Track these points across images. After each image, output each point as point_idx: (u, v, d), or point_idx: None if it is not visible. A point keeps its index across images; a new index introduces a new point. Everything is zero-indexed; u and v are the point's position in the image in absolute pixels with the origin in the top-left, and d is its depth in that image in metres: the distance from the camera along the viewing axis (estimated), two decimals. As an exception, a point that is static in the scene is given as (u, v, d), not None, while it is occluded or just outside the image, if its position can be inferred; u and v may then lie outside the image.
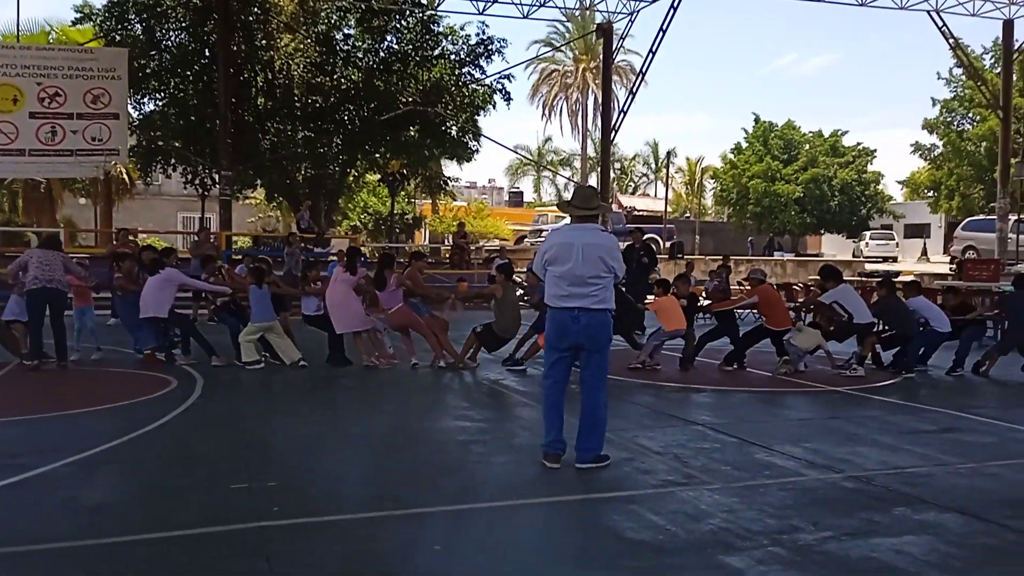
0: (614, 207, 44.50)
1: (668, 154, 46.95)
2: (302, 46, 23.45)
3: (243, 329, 9.82)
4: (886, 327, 10.61)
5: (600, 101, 32.61)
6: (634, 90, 26.38)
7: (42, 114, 18.35)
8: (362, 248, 17.52)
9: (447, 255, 25.85)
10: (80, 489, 5.06)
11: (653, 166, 64.35)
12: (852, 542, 4.29)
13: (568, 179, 53.72)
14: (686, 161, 64.37)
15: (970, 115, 36.99)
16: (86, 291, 10.29)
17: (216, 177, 22.05)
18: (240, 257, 15.88)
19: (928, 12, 23.94)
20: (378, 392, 8.78)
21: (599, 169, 26.33)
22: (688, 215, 57.52)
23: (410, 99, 23.21)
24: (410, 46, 24.09)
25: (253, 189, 28.00)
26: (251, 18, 22.44)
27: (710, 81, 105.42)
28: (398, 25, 23.87)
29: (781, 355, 10.18)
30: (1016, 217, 24.49)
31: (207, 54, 22.28)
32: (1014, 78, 25.61)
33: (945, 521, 4.67)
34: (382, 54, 23.96)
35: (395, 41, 24.17)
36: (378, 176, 29.12)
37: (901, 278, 14.84)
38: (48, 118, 18.40)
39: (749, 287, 10.54)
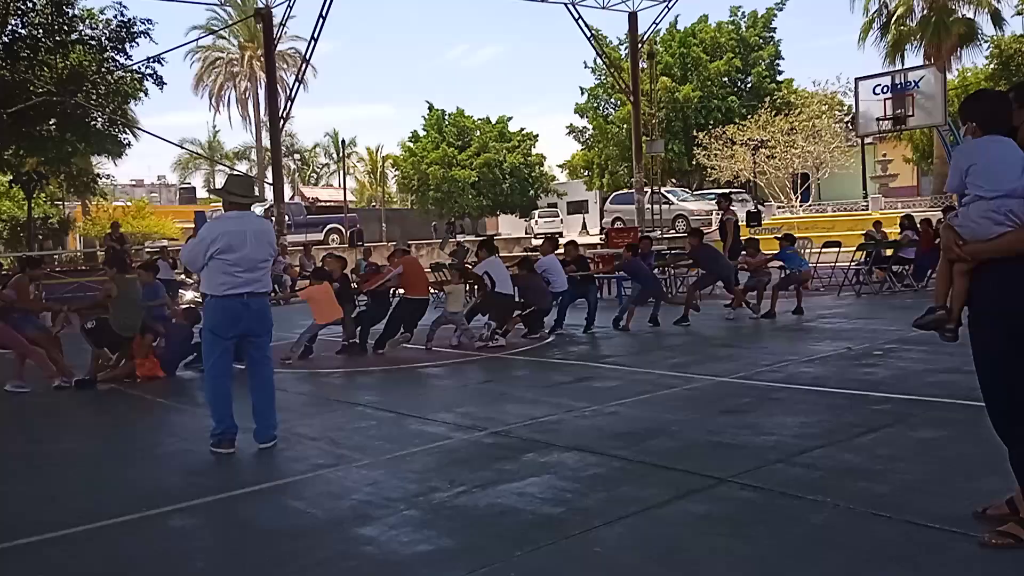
0: (296, 199, 43.52)
1: (343, 143, 46.61)
2: None
3: None
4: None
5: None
6: (300, 77, 25.89)
7: None
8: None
9: (103, 260, 23.46)
10: None
11: (335, 156, 63.81)
12: (482, 492, 4.59)
13: (247, 172, 51.35)
14: (366, 151, 64.83)
15: (612, 100, 41.39)
16: None
17: None
18: None
19: (565, 5, 26.27)
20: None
21: (271, 161, 25.47)
22: (374, 204, 57.93)
23: (44, 89, 20.63)
24: (40, 30, 21.37)
25: None
26: None
27: (389, 71, 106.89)
28: (23, 6, 21.05)
29: (408, 328, 10.22)
30: (649, 190, 27.83)
31: None
32: (642, 65, 28.96)
33: (565, 459, 5.16)
34: (6, 39, 20.98)
35: (20, 25, 21.31)
36: (11, 177, 25.55)
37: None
38: None
39: (395, 261, 10.66)
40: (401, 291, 10.55)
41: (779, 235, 14.10)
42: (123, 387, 8.62)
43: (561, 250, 12.46)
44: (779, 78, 39.96)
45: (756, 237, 13.94)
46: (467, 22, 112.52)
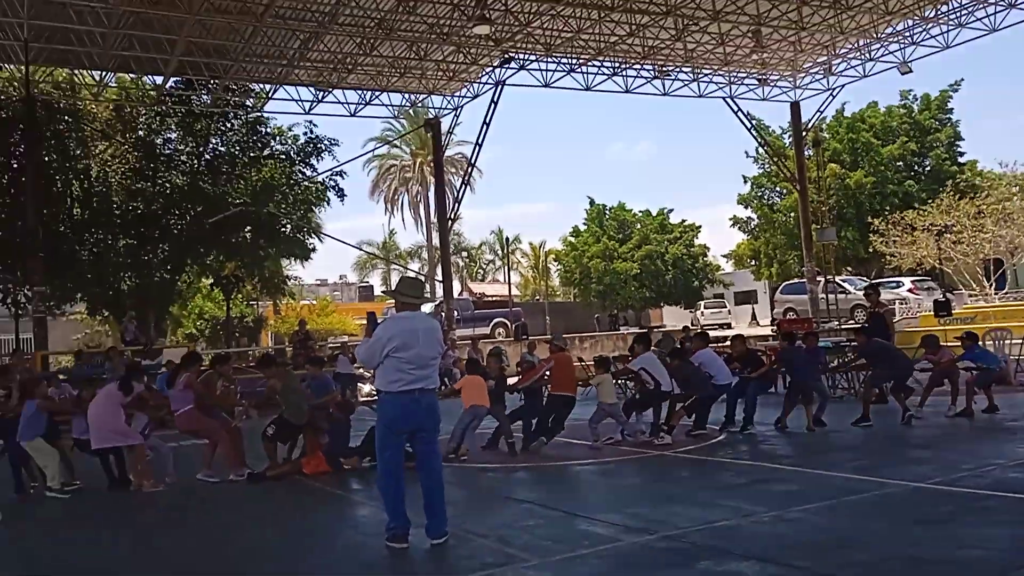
0: (464, 294, 45.08)
1: (507, 241, 48.19)
2: (119, 152, 22.68)
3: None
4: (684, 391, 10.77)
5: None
6: (467, 180, 27.15)
7: None
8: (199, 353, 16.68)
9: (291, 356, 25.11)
10: None
11: (500, 253, 65.88)
12: (656, 602, 4.38)
13: (417, 272, 53.94)
14: (530, 246, 66.54)
15: (777, 188, 40.47)
16: None
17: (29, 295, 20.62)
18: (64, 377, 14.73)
19: (724, 99, 26.26)
20: (192, 510, 8.19)
21: (441, 260, 26.69)
22: (538, 297, 58.97)
23: (240, 200, 22.83)
24: (237, 148, 23.88)
25: (73, 304, 26.33)
26: (62, 127, 21.55)
27: (550, 170, 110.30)
28: (223, 127, 23.64)
29: (554, 427, 10.08)
30: (823, 279, 26.66)
31: (14, 166, 21.10)
32: (808, 152, 28.27)
33: (743, 570, 4.85)
34: (207, 157, 23.56)
35: (220, 143, 23.89)
36: (211, 280, 28.16)
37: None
38: None
39: (549, 357, 10.55)
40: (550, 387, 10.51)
41: (962, 334, 12.55)
42: (300, 478, 9.02)
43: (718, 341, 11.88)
44: (961, 160, 37.68)
45: (934, 334, 12.72)
46: (623, 121, 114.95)
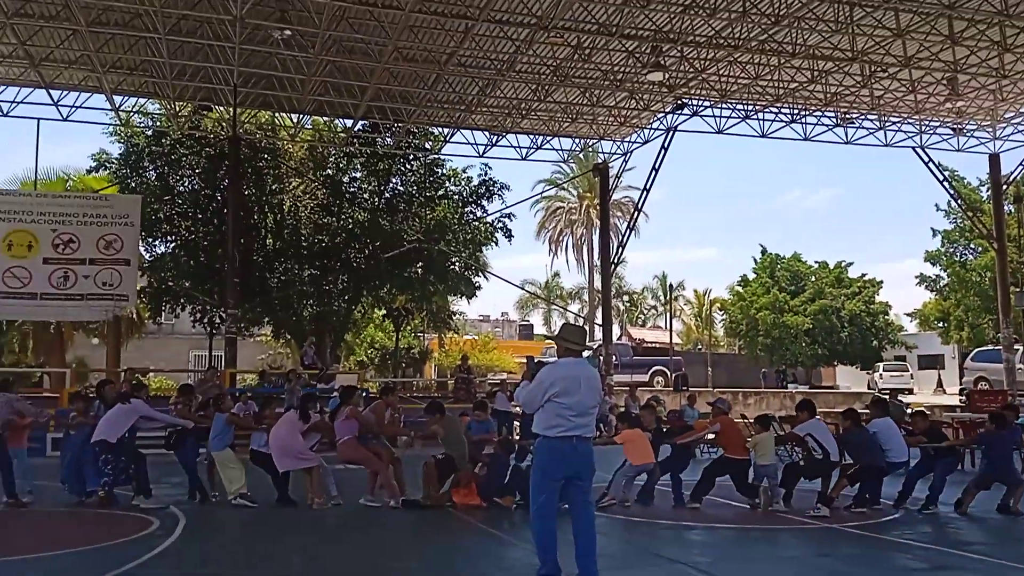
0: (623, 339, 44.67)
1: (671, 287, 47.37)
2: (310, 189, 24.44)
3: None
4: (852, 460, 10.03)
5: (603, 236, 33.34)
6: (632, 224, 27.15)
7: (55, 260, 19.00)
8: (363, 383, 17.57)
9: (452, 389, 25.88)
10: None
11: (662, 298, 64.93)
12: None
13: (576, 313, 54.17)
14: (694, 293, 65.15)
15: (971, 246, 37.45)
16: (20, 433, 10.17)
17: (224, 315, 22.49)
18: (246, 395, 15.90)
19: (914, 149, 24.73)
20: (354, 532, 8.58)
21: (601, 302, 26.69)
22: (700, 347, 57.48)
23: (414, 237, 23.91)
24: (414, 187, 25.11)
25: (260, 326, 28.43)
26: (261, 164, 23.53)
27: (719, 216, 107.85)
28: (403, 168, 24.95)
29: (742, 490, 9.85)
30: (1022, 348, 24.33)
31: (218, 199, 23.21)
32: (1008, 208, 26.10)
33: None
34: (387, 195, 24.93)
35: (400, 183, 25.21)
36: (383, 312, 29.58)
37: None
38: (61, 264, 19.04)
39: (712, 420, 10.32)
40: (715, 446, 10.20)
41: None
42: (455, 511, 9.24)
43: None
44: None
45: None
46: (802, 167, 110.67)
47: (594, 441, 6.25)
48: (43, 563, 7.00)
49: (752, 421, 11.18)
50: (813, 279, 43.01)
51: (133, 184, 22.76)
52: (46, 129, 41.05)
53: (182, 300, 24.32)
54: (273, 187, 24.14)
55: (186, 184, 23.75)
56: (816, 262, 44.21)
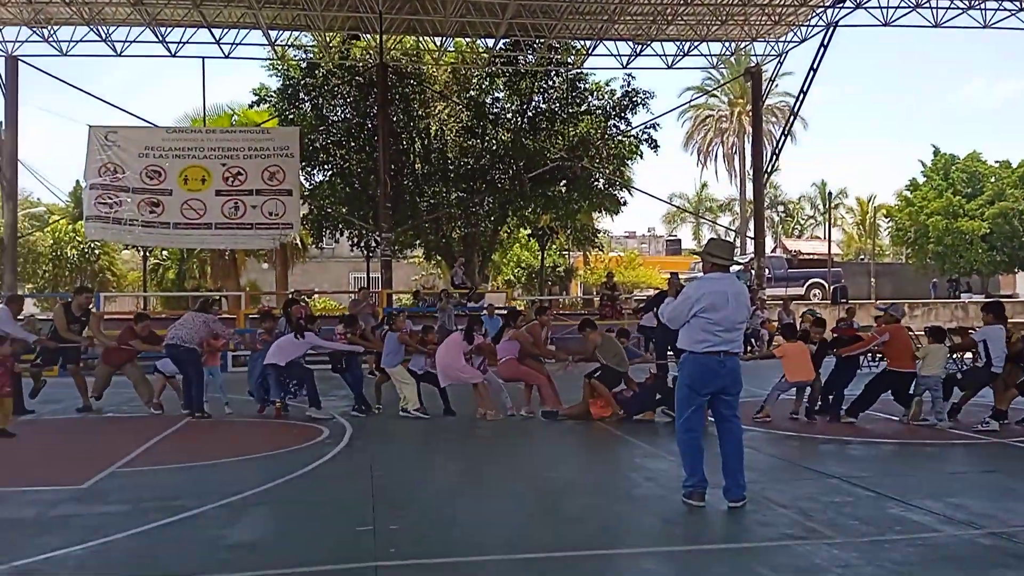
0: (778, 251, 43.07)
1: (830, 195, 44.89)
2: (454, 112, 24.73)
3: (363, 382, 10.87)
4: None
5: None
6: (787, 130, 25.79)
7: (226, 192, 20.39)
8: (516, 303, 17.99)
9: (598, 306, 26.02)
10: (225, 529, 5.57)
11: (821, 208, 61.77)
12: (975, 603, 4.01)
13: (727, 227, 52.57)
14: (857, 201, 61.51)
15: None
16: (216, 352, 11.17)
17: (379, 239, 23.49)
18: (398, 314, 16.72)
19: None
20: (511, 442, 9.02)
21: (753, 213, 25.71)
22: (863, 257, 54.55)
23: (557, 155, 23.84)
24: (557, 104, 24.87)
25: (413, 248, 29.48)
26: (408, 90, 23.98)
27: (886, 116, 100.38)
28: (544, 85, 24.72)
29: (904, 405, 9.45)
30: None
31: (369, 126, 23.97)
32: None
33: (1092, 585, 4.25)
34: (529, 114, 24.84)
35: (542, 100, 25.02)
36: (529, 231, 29.88)
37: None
38: (232, 195, 20.41)
39: (882, 328, 9.69)
40: (880, 358, 9.75)
41: None
42: (604, 425, 9.50)
43: None
44: None
45: None
46: (980, 59, 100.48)
47: (746, 357, 6.21)
48: (229, 467, 7.77)
49: (924, 331, 10.64)
50: (992, 180, 39.54)
51: (291, 116, 23.84)
52: (211, 67, 43.67)
53: (340, 226, 25.54)
54: (419, 112, 24.60)
55: (339, 113, 24.61)
56: (997, 161, 40.57)
